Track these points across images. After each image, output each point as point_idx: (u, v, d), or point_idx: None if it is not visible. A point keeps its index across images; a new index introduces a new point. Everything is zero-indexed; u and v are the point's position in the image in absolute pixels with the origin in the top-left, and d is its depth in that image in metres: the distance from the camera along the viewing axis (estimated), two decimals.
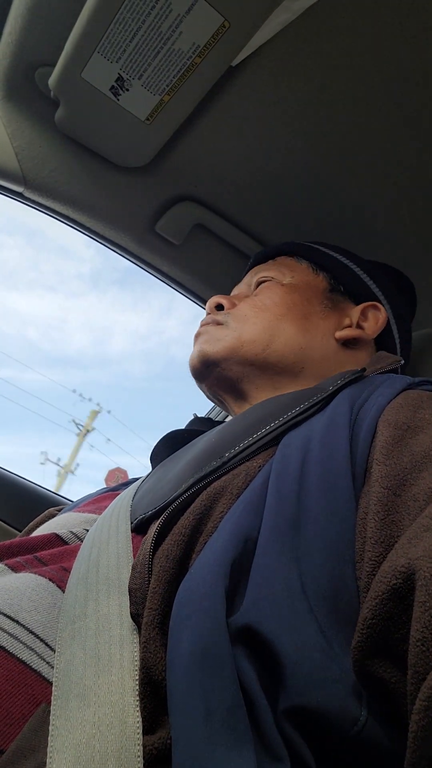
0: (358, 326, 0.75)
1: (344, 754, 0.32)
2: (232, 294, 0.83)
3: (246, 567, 0.38)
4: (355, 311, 0.77)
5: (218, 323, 0.73)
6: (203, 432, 0.63)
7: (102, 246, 1.07)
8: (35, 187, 0.93)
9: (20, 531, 1.00)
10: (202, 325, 0.76)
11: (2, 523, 1.08)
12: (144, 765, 0.32)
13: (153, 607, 0.38)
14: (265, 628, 0.34)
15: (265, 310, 0.72)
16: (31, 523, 0.73)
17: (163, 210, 1.00)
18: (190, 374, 0.76)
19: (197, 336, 0.75)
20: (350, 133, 0.81)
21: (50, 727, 0.33)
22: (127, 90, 0.78)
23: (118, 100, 0.80)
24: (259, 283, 0.79)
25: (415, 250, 0.95)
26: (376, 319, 0.76)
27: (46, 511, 0.75)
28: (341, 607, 0.36)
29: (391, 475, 0.39)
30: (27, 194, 0.94)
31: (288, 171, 0.90)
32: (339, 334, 0.73)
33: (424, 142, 0.79)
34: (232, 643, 0.34)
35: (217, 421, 0.77)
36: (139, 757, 0.32)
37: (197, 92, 0.77)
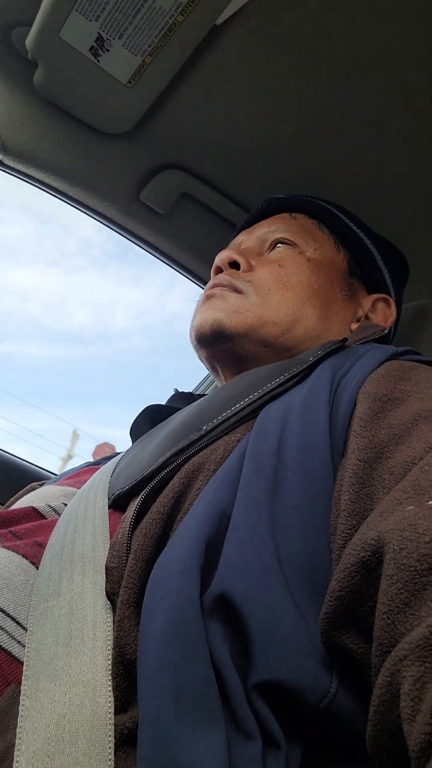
0: (366, 318, 0.73)
1: (315, 727, 0.32)
2: (237, 244, 0.77)
3: (221, 544, 0.37)
4: (367, 301, 0.74)
5: (237, 290, 0.66)
6: (181, 408, 0.61)
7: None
8: (14, 154, 0.90)
9: (3, 505, 0.99)
10: (215, 286, 0.68)
11: None
12: (115, 744, 0.32)
13: (129, 585, 0.37)
14: (238, 601, 0.33)
15: (291, 289, 0.66)
16: (12, 498, 0.72)
17: (148, 178, 0.97)
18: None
19: (209, 297, 0.68)
20: (341, 96, 0.78)
21: (20, 708, 0.32)
22: (108, 50, 0.75)
23: (99, 61, 0.77)
24: (276, 243, 0.72)
25: (407, 219, 0.93)
26: (384, 314, 0.73)
27: (27, 486, 0.74)
28: (316, 579, 0.35)
29: (367, 448, 0.38)
30: (6, 161, 0.91)
31: (277, 136, 0.87)
32: (354, 327, 0.70)
33: (419, 104, 0.77)
34: (205, 619, 0.33)
35: (200, 395, 0.76)
36: (110, 736, 0.32)
37: (181, 53, 0.74)
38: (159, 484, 0.44)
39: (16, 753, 0.30)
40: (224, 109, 0.85)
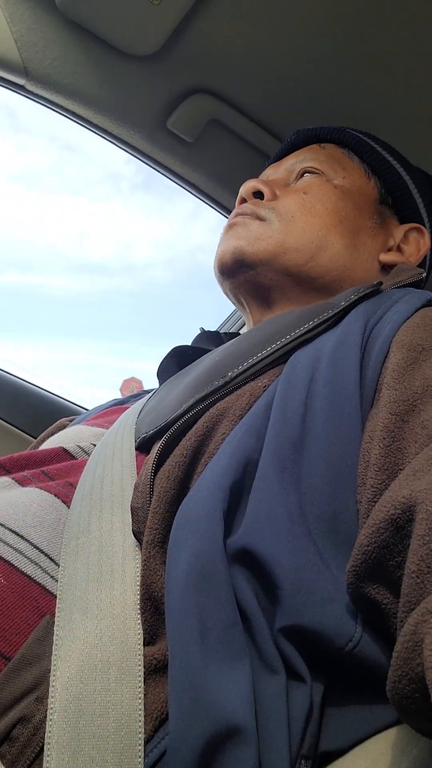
0: (398, 249, 0.70)
1: (338, 668, 0.33)
2: (267, 176, 0.74)
3: (246, 490, 0.38)
4: (399, 231, 0.71)
5: (259, 217, 0.64)
6: (209, 350, 0.61)
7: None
8: (38, 79, 0.86)
9: (35, 438, 1.02)
10: (238, 215, 0.67)
11: (20, 432, 1.10)
12: (145, 673, 0.33)
13: (153, 526, 0.38)
14: (263, 550, 0.34)
15: (316, 215, 0.64)
16: (43, 434, 0.73)
17: (175, 104, 0.93)
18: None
19: (231, 226, 0.66)
20: (385, 10, 0.72)
21: (54, 637, 0.34)
22: None
23: None
24: (303, 173, 0.70)
25: None
26: (417, 245, 0.70)
27: (57, 422, 0.75)
28: (341, 529, 0.36)
29: (399, 400, 0.38)
30: (29, 87, 0.88)
31: (313, 57, 0.82)
32: (384, 257, 0.68)
33: None
34: (229, 563, 0.34)
35: (227, 333, 0.75)
36: (140, 666, 0.34)
37: None
38: (182, 427, 0.44)
39: (51, 678, 0.33)
40: (257, 27, 0.79)
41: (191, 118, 0.94)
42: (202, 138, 0.98)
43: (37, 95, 0.89)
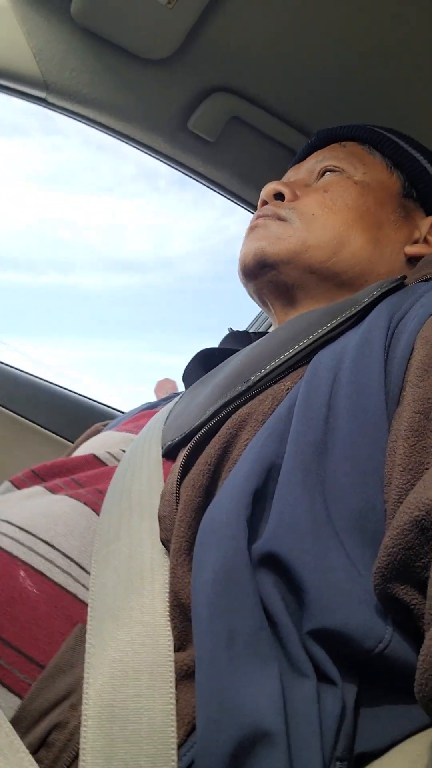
0: (425, 240, 0.69)
1: (369, 670, 0.33)
2: (288, 179, 0.75)
3: (269, 495, 0.38)
4: (425, 223, 0.70)
5: (280, 218, 0.65)
6: (236, 350, 0.61)
7: None
8: (58, 91, 0.88)
9: (72, 442, 1.03)
10: (258, 217, 0.67)
11: (58, 437, 1.12)
12: (176, 679, 0.34)
13: (180, 534, 0.38)
14: (289, 555, 0.34)
15: (336, 212, 0.64)
16: (79, 438, 0.75)
17: (195, 104, 0.93)
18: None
19: (252, 229, 0.67)
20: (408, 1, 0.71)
21: (86, 645, 0.35)
22: None
23: None
24: (324, 172, 0.70)
25: None
26: None
27: (92, 427, 0.77)
28: (368, 528, 0.35)
29: (423, 399, 0.37)
30: (50, 99, 0.89)
31: (333, 48, 0.81)
32: (409, 249, 0.67)
33: None
34: (255, 568, 0.35)
35: (256, 333, 0.75)
36: (170, 672, 0.34)
37: None
38: (206, 435, 0.44)
39: (84, 686, 0.33)
40: (272, 22, 0.79)
41: (212, 117, 0.94)
42: (224, 137, 0.98)
43: (57, 106, 0.90)
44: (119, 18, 0.79)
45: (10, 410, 1.12)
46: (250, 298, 0.73)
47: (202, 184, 1.07)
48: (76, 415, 1.16)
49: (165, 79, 0.90)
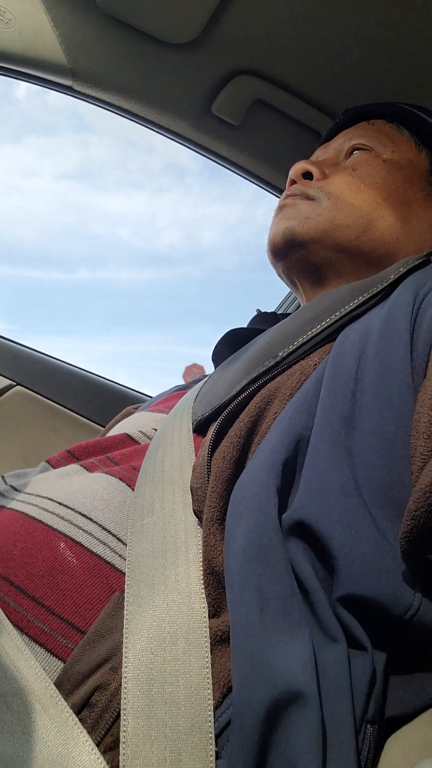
0: None
1: (399, 637, 0.34)
2: (316, 158, 0.74)
3: (299, 466, 0.39)
4: None
5: (308, 197, 0.65)
6: (264, 330, 0.61)
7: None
8: (84, 79, 0.89)
9: (104, 427, 1.05)
10: (287, 197, 0.67)
11: (90, 422, 1.15)
12: (211, 644, 0.35)
13: (212, 504, 0.39)
14: (318, 524, 0.35)
15: (365, 190, 0.64)
16: (111, 422, 0.77)
17: (219, 88, 0.93)
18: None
19: (281, 209, 0.67)
20: None
21: (125, 612, 0.36)
22: None
23: None
24: (352, 151, 0.70)
25: None
26: None
27: (124, 410, 0.78)
28: (397, 501, 0.36)
29: None
30: (77, 87, 0.90)
31: (357, 27, 0.80)
32: None
33: None
34: (285, 537, 0.35)
35: (284, 314, 0.75)
36: (206, 637, 0.35)
37: None
38: (235, 409, 0.45)
39: (124, 649, 0.35)
40: (294, 1, 0.78)
41: (236, 100, 0.94)
42: (248, 120, 0.97)
43: (83, 94, 0.91)
44: (143, 3, 0.80)
45: (43, 396, 1.15)
46: (280, 282, 0.73)
47: (228, 168, 1.07)
48: (107, 401, 1.18)
49: (189, 64, 0.90)
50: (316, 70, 0.89)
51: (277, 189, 1.08)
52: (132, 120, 0.98)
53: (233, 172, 1.08)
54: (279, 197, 1.09)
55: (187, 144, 1.02)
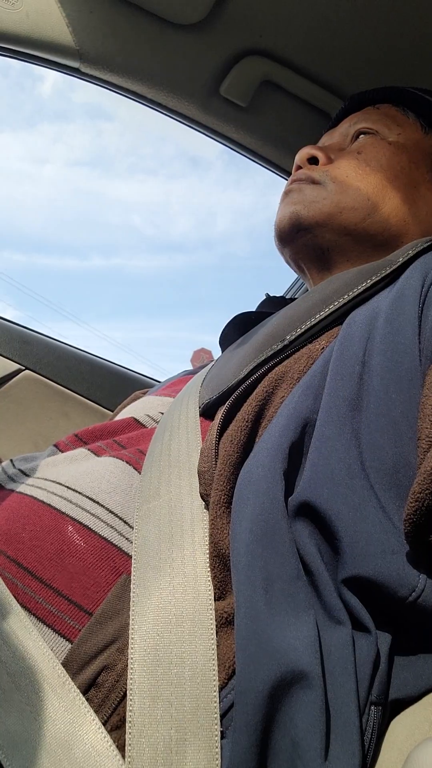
0: None
1: (403, 618, 0.34)
2: (322, 144, 0.74)
3: (305, 449, 0.39)
4: None
5: (314, 181, 0.65)
6: (272, 313, 0.61)
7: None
8: (91, 60, 0.88)
9: (112, 411, 1.06)
10: (293, 181, 0.68)
11: (98, 406, 1.15)
12: (216, 626, 0.35)
13: (219, 488, 0.40)
14: (324, 505, 0.35)
15: (370, 173, 0.64)
16: (119, 406, 0.77)
17: (227, 69, 0.92)
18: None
19: (287, 193, 0.67)
20: None
21: (131, 594, 0.37)
22: None
23: None
24: (357, 135, 0.70)
25: None
26: None
27: (132, 394, 0.78)
28: (404, 484, 0.36)
29: None
30: (83, 69, 0.90)
31: (366, 7, 0.79)
32: None
33: None
34: (291, 519, 0.36)
35: (292, 299, 0.75)
36: (211, 619, 0.35)
37: None
38: (243, 393, 0.45)
39: (130, 631, 0.35)
40: None
41: (244, 81, 0.93)
42: (257, 101, 0.96)
43: (91, 76, 0.91)
44: None
45: (53, 381, 1.15)
46: (287, 266, 0.73)
47: (236, 151, 1.06)
48: (116, 385, 1.18)
49: (196, 44, 0.89)
50: (324, 49, 0.88)
51: (285, 172, 1.07)
52: (139, 102, 0.97)
53: (242, 154, 1.07)
54: (287, 179, 1.08)
55: (195, 126, 1.01)
